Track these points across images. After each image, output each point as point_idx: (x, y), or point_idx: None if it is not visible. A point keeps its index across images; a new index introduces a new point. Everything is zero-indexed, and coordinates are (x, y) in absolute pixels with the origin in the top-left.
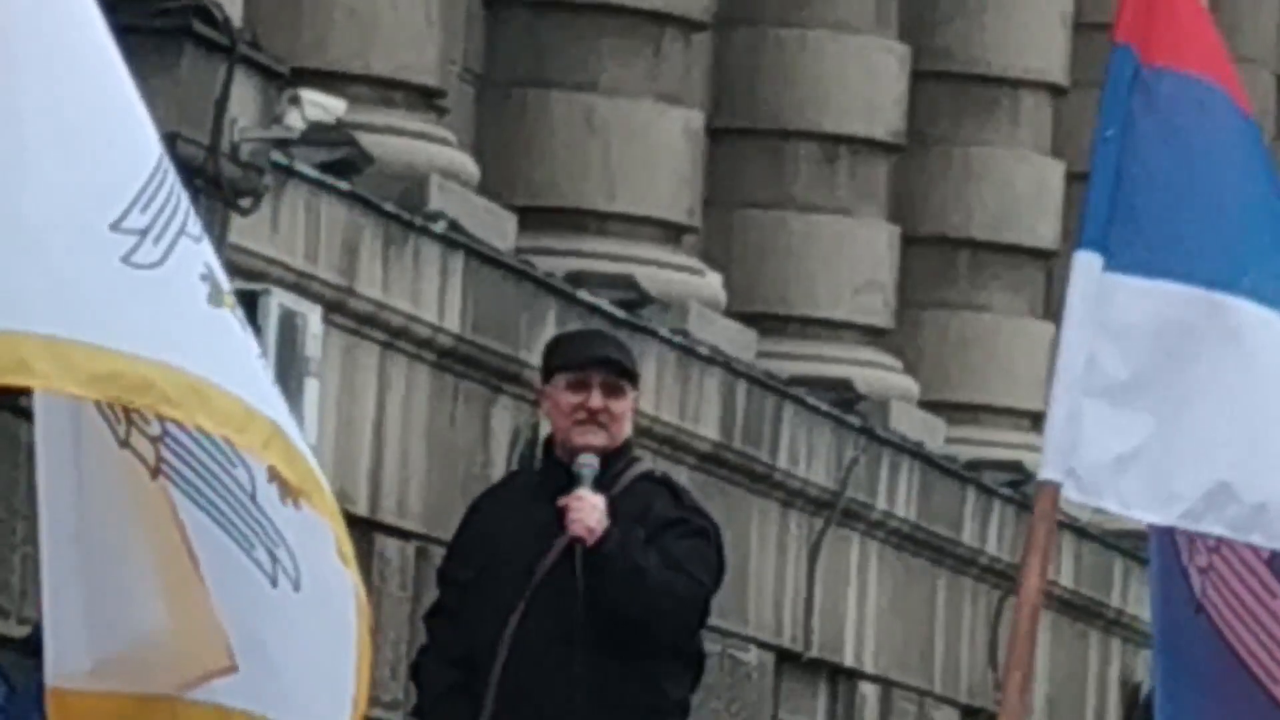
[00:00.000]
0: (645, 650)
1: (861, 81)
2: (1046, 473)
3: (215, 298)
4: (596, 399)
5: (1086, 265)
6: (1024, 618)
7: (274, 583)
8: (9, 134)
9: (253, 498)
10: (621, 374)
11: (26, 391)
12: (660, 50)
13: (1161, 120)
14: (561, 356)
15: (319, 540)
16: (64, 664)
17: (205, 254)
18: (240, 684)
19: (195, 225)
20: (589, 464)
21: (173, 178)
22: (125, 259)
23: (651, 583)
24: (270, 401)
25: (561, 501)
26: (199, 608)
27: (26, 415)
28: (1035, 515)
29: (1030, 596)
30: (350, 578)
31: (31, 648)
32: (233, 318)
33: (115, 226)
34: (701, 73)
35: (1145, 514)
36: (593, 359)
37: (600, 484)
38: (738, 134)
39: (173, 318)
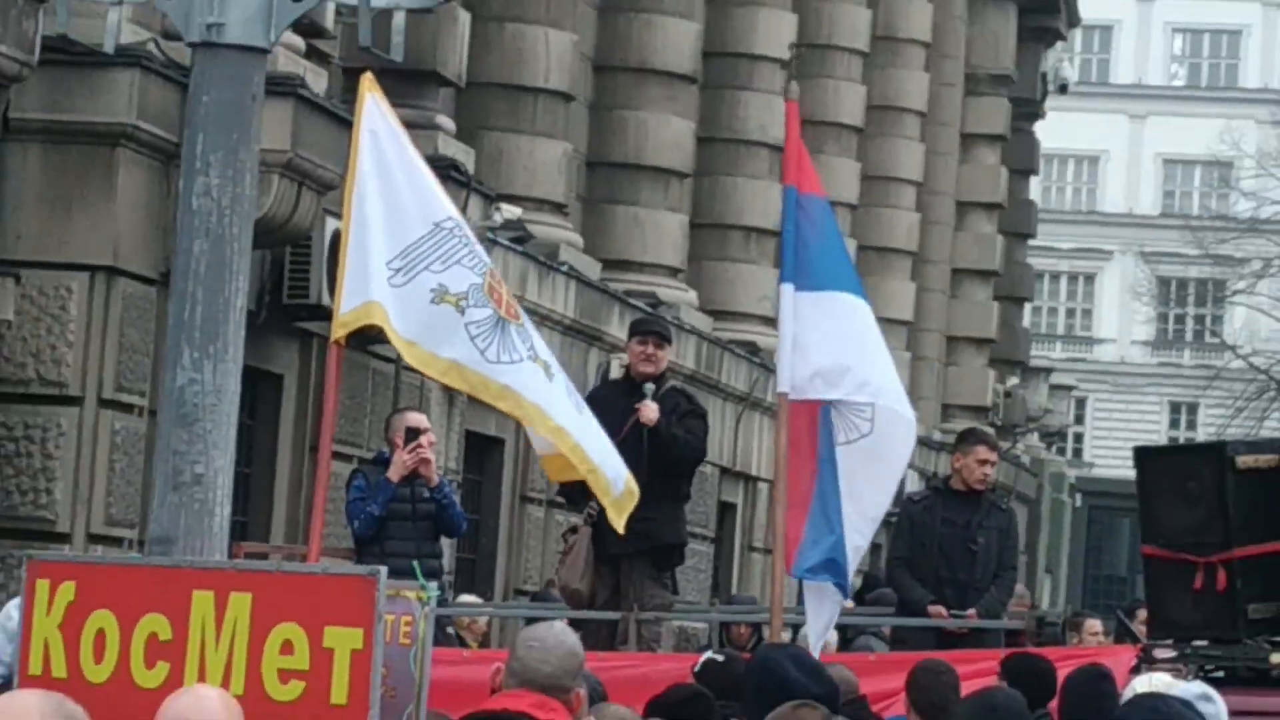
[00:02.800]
0: (676, 473)
1: None
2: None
3: (436, 299)
4: (650, 348)
5: (788, 293)
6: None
7: (550, 376)
8: (363, 216)
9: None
10: (663, 338)
11: (376, 340)
12: None
13: (809, 220)
14: (636, 327)
15: None
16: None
17: (438, 280)
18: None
19: (441, 265)
20: (649, 385)
21: (441, 237)
22: (389, 280)
23: (680, 442)
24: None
25: (635, 405)
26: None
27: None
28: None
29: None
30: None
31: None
32: (453, 311)
33: (388, 265)
34: None
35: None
36: (649, 329)
37: (654, 394)
38: None
39: (411, 310)
